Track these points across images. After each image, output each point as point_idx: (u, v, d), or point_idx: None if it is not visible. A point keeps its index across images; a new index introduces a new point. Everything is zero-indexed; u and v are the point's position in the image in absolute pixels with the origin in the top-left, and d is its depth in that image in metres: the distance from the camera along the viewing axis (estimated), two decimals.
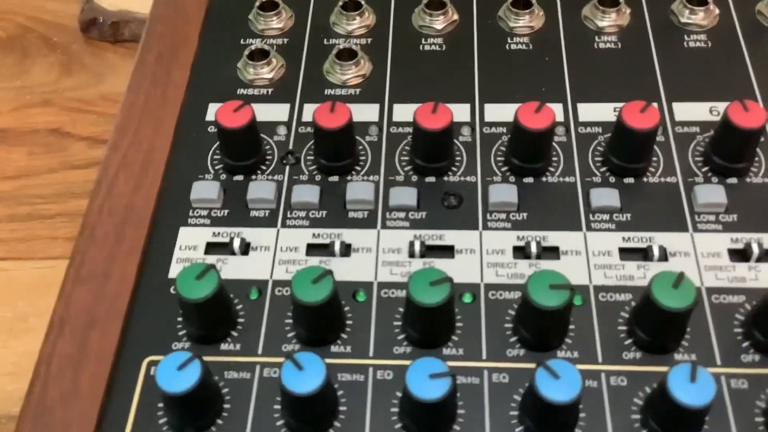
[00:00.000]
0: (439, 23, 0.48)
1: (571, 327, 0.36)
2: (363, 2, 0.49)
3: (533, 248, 0.39)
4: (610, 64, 0.46)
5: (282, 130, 0.44)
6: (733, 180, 0.41)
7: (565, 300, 0.34)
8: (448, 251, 0.39)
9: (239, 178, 0.42)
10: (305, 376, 0.32)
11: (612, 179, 0.41)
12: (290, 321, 0.37)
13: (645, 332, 0.35)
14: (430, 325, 0.36)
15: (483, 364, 0.36)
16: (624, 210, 0.40)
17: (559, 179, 0.41)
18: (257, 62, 0.46)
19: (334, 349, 0.36)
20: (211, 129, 0.44)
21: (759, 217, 0.39)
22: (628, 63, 0.46)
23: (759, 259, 0.38)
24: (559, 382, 0.31)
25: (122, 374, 0.36)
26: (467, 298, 0.38)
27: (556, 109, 0.43)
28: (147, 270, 0.39)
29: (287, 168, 0.43)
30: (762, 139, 0.41)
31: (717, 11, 0.48)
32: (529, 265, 0.38)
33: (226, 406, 0.35)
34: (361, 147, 0.43)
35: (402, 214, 0.41)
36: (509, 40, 0.48)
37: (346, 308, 0.37)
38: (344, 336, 0.37)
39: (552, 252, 0.39)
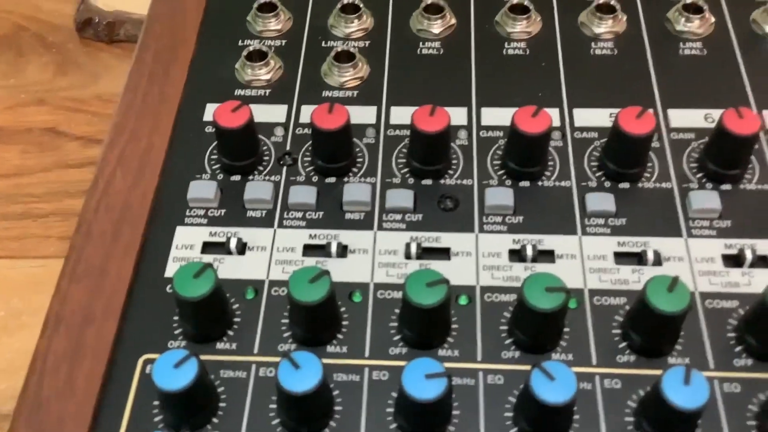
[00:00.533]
0: (436, 27, 0.49)
1: (566, 330, 0.36)
2: (361, 5, 0.49)
3: (529, 251, 0.39)
4: (606, 70, 0.47)
5: (279, 131, 0.44)
6: (727, 186, 0.41)
7: (560, 303, 0.34)
8: (444, 253, 0.39)
9: (236, 178, 0.42)
10: (302, 375, 0.32)
11: (607, 184, 0.41)
12: (286, 321, 0.37)
13: (639, 335, 0.35)
14: (426, 326, 0.36)
15: (478, 366, 0.36)
16: (619, 214, 0.40)
17: (555, 183, 0.42)
18: (255, 63, 0.47)
19: (330, 349, 0.36)
20: (209, 129, 0.44)
21: (752, 223, 0.40)
22: (624, 69, 0.47)
23: (752, 265, 0.38)
24: (554, 384, 0.31)
25: (118, 372, 0.36)
26: (463, 300, 0.38)
27: (553, 114, 0.43)
28: (143, 268, 0.39)
29: (284, 169, 0.43)
30: (756, 146, 0.42)
31: (712, 19, 0.48)
32: (524, 268, 0.39)
33: (222, 404, 0.35)
34: (358, 149, 0.43)
35: (398, 216, 0.41)
36: (506, 45, 0.48)
37: (342, 309, 0.37)
38: (340, 336, 0.37)
39: (547, 255, 0.39)
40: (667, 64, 0.47)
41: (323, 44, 0.49)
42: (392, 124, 0.45)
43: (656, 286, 0.34)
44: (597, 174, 0.42)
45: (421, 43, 0.49)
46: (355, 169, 0.43)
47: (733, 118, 0.39)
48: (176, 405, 0.33)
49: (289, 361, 0.32)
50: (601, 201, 0.40)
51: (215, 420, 0.34)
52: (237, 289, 0.38)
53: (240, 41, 0.49)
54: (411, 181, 0.42)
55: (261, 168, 0.43)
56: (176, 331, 0.37)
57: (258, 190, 0.41)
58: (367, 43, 0.49)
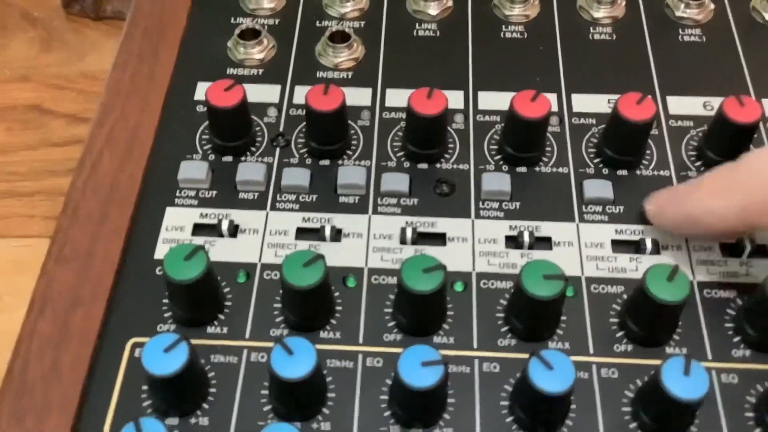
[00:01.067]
0: (433, 9, 0.48)
1: (563, 318, 0.36)
2: None
3: (526, 238, 0.38)
4: (604, 56, 0.46)
5: (272, 112, 0.43)
6: None
7: (558, 291, 0.33)
8: (439, 239, 0.39)
9: (228, 159, 0.41)
10: (295, 360, 0.31)
11: (605, 171, 0.41)
12: (279, 305, 0.36)
13: (637, 325, 0.35)
14: (421, 312, 0.35)
15: (474, 354, 0.35)
16: (617, 202, 0.40)
17: (553, 169, 0.41)
18: (248, 42, 0.45)
19: (323, 335, 0.36)
20: (200, 108, 0.43)
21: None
22: (623, 55, 0.46)
23: (750, 255, 0.38)
24: (553, 373, 0.31)
25: (105, 356, 0.35)
26: (459, 287, 0.37)
27: (551, 99, 0.42)
28: (132, 250, 0.38)
29: (277, 150, 0.42)
30: (755, 134, 0.41)
31: (712, 6, 0.48)
32: (521, 255, 0.38)
33: (212, 390, 0.34)
34: (352, 131, 0.42)
35: (393, 200, 0.40)
36: (504, 29, 0.47)
37: (336, 294, 0.37)
38: (333, 322, 0.36)
39: (544, 242, 0.39)
40: (666, 51, 0.46)
41: (318, 24, 0.48)
42: (388, 106, 0.44)
43: (655, 275, 0.33)
44: (595, 161, 0.41)
45: (417, 24, 0.48)
46: (349, 152, 0.42)
47: (734, 106, 0.39)
48: (166, 390, 0.32)
49: (281, 346, 0.32)
50: (599, 188, 0.40)
51: (205, 406, 0.34)
52: (228, 273, 0.37)
53: (232, 19, 0.48)
54: (407, 164, 0.41)
55: (253, 149, 0.42)
56: (166, 315, 0.36)
57: (250, 171, 0.40)
58: (363, 23, 0.48)
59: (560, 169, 0.41)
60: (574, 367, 0.31)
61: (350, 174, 0.40)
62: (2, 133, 0.63)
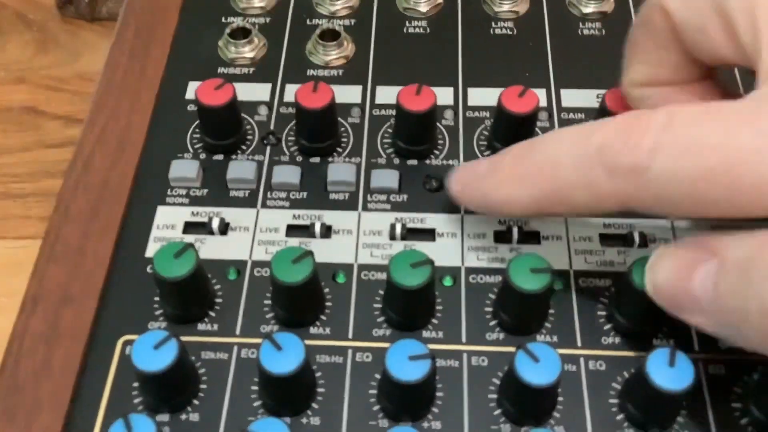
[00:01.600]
0: (423, 6, 0.48)
1: (551, 311, 0.36)
2: None
3: (514, 233, 0.38)
4: (593, 51, 0.46)
5: (263, 110, 0.44)
6: None
7: (545, 284, 0.33)
8: (429, 234, 0.39)
9: (219, 157, 0.42)
10: (284, 356, 0.32)
11: None
12: (269, 302, 0.37)
13: (624, 317, 0.35)
14: (410, 307, 0.35)
15: (462, 347, 0.35)
16: None
17: None
18: (239, 41, 0.46)
19: (312, 330, 0.36)
20: (191, 107, 0.44)
21: None
22: (612, 50, 0.46)
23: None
24: (539, 366, 0.31)
25: (96, 353, 0.35)
26: (447, 282, 0.37)
27: (540, 95, 0.42)
28: (123, 248, 0.39)
29: (268, 148, 0.42)
30: None
31: None
32: (510, 250, 0.38)
33: (203, 386, 0.34)
34: (343, 129, 0.43)
35: (383, 197, 0.40)
36: (493, 25, 0.48)
37: (326, 290, 0.37)
38: (323, 318, 0.36)
39: (533, 237, 0.39)
40: None
41: (308, 22, 0.48)
42: (378, 103, 0.44)
43: (641, 267, 0.33)
44: None
45: (407, 21, 0.48)
46: (339, 149, 0.42)
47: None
48: (156, 387, 0.33)
49: (270, 342, 0.32)
50: None
51: (196, 402, 0.34)
52: (219, 270, 0.38)
53: (223, 18, 0.48)
54: (396, 161, 0.42)
55: (244, 147, 0.42)
56: (157, 312, 0.36)
57: (241, 169, 0.41)
58: (353, 21, 0.48)
59: None
60: (561, 359, 0.31)
61: (340, 171, 0.41)
62: None
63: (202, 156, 0.42)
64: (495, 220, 0.39)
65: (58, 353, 0.35)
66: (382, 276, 0.37)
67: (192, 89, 0.44)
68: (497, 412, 0.34)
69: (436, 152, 0.42)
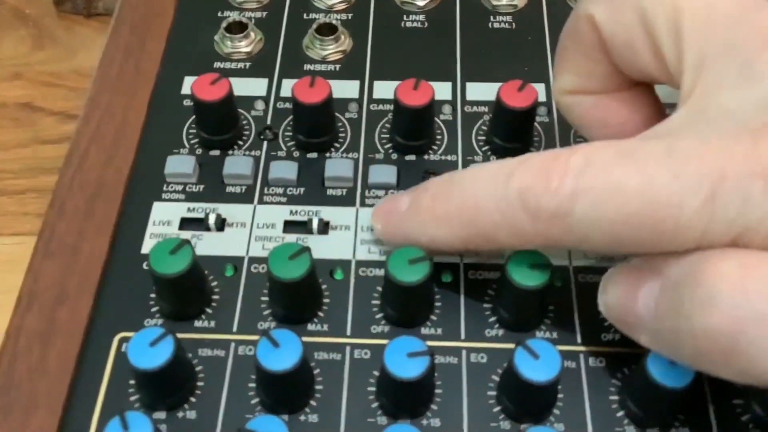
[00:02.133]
0: (421, 0, 0.48)
1: (551, 308, 0.36)
2: None
3: None
4: None
5: (260, 105, 0.43)
6: None
7: (544, 280, 0.33)
8: None
9: (215, 153, 0.41)
10: (281, 353, 0.31)
11: None
12: (266, 299, 0.36)
13: None
14: (408, 303, 0.35)
15: (461, 344, 0.35)
16: None
17: None
18: (235, 35, 0.45)
19: (310, 327, 0.36)
20: (187, 102, 0.43)
21: None
22: None
23: None
24: (539, 362, 0.31)
25: (92, 351, 0.35)
26: (446, 278, 0.37)
27: (539, 89, 0.42)
28: (119, 245, 0.38)
29: (265, 143, 0.42)
30: None
31: None
32: None
33: (200, 383, 0.34)
34: (340, 124, 0.42)
35: (381, 192, 0.40)
36: (492, 19, 0.47)
37: (324, 286, 0.37)
38: (321, 314, 0.36)
39: None
40: None
41: (305, 16, 0.48)
42: (375, 98, 0.44)
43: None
44: None
45: (405, 16, 0.48)
46: (337, 144, 0.42)
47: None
48: (152, 384, 0.32)
49: (268, 339, 0.32)
50: None
51: (193, 399, 0.34)
52: (216, 266, 0.37)
53: (219, 12, 0.48)
54: (394, 156, 0.41)
55: (241, 143, 0.42)
56: (153, 309, 0.36)
57: (238, 165, 0.40)
58: (350, 15, 0.48)
59: None
60: (561, 356, 0.31)
61: (338, 166, 0.40)
62: None
63: (199, 151, 0.41)
64: None
65: (54, 350, 0.35)
66: (381, 272, 0.37)
67: (188, 84, 0.44)
68: (496, 409, 0.33)
69: (435, 147, 0.41)
